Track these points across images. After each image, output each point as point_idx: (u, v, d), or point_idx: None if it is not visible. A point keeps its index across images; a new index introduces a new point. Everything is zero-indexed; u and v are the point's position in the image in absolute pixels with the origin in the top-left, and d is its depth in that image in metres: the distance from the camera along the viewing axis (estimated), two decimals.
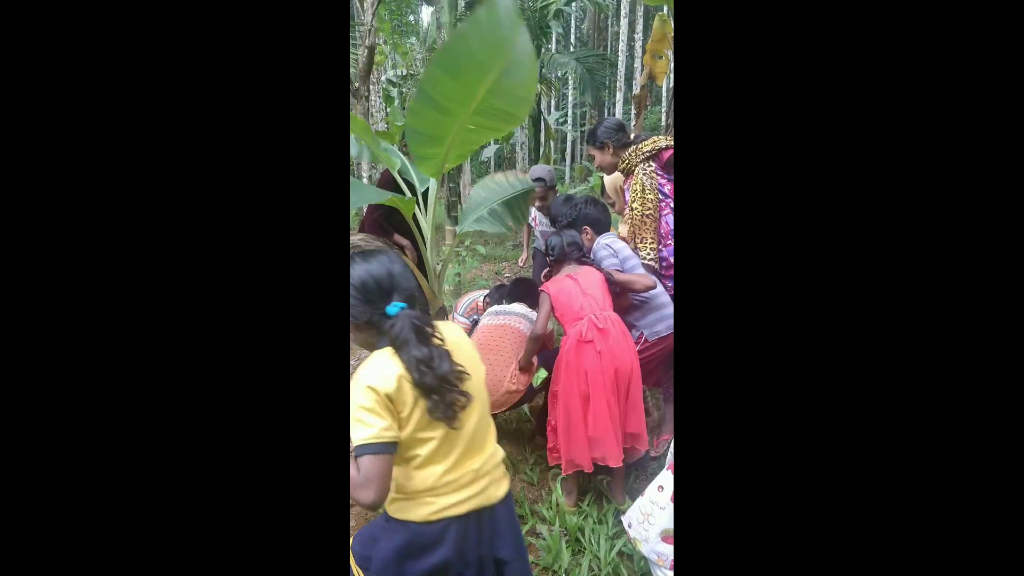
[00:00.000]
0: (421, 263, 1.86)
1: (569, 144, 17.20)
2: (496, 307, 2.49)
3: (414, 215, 1.77)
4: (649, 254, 2.22)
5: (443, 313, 1.94)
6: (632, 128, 6.72)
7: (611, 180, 2.58)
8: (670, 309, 2.14)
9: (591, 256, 2.26)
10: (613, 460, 1.87)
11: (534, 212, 3.45)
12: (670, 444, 2.35)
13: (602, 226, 2.36)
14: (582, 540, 1.84)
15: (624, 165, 2.36)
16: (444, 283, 3.99)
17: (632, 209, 2.27)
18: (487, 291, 2.91)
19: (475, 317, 2.93)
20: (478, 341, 2.31)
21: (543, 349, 2.36)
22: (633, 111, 5.69)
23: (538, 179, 3.18)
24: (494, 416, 2.35)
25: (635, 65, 11.65)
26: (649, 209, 2.20)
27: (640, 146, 2.28)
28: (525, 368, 2.20)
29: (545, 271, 2.32)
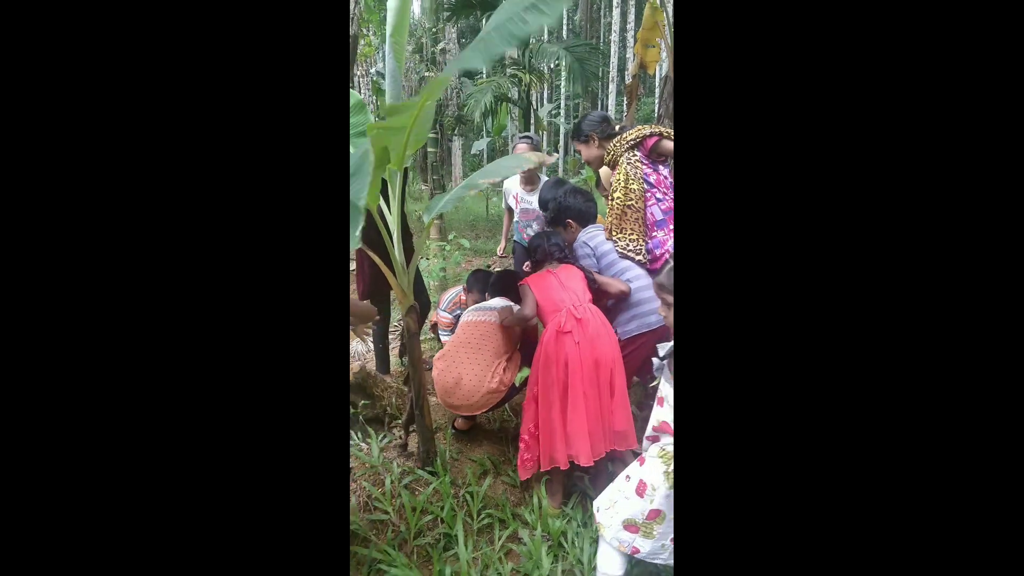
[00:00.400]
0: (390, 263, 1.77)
1: (562, 137, 17.09)
2: (477, 304, 2.41)
3: (379, 209, 1.68)
4: (628, 245, 2.14)
5: (414, 312, 1.84)
6: (624, 119, 6.61)
7: (605, 173, 2.53)
8: (643, 308, 2.06)
9: (572, 252, 2.21)
10: (584, 458, 1.81)
11: (516, 190, 3.32)
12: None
13: (586, 217, 2.29)
14: (565, 544, 1.76)
15: (610, 157, 2.29)
16: (428, 278, 3.90)
17: (613, 199, 2.19)
18: None
19: (458, 311, 2.85)
20: (458, 339, 2.23)
21: (529, 338, 2.29)
22: (625, 102, 5.59)
23: (524, 137, 3.19)
24: (474, 418, 2.29)
25: (627, 55, 11.53)
26: (631, 200, 2.13)
27: (624, 136, 2.22)
28: (507, 326, 2.16)
29: (526, 264, 2.26)
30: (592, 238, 2.23)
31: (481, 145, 12.84)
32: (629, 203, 2.13)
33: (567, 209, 2.27)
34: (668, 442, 1.34)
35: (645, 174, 2.16)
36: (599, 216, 2.40)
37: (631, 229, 2.14)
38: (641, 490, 1.33)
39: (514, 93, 6.60)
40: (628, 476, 1.41)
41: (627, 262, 2.15)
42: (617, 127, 2.36)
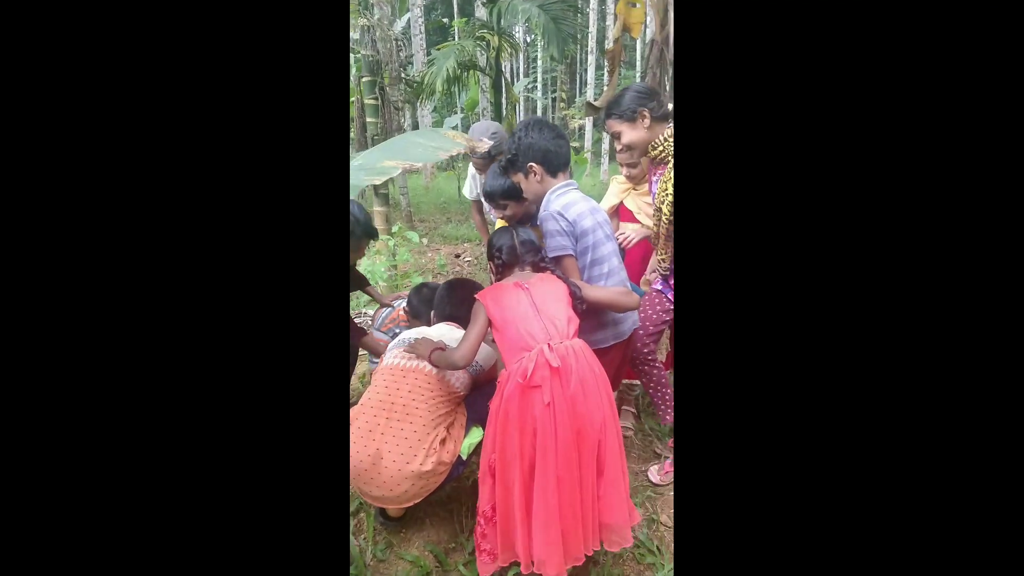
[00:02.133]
0: None
1: (539, 111, 16.42)
2: (407, 334, 1.72)
3: None
4: (671, 267, 1.72)
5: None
6: (605, 90, 5.99)
7: (637, 136, 1.75)
8: (620, 314, 1.60)
9: (537, 221, 1.60)
10: (551, 567, 1.24)
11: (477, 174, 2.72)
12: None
13: (555, 163, 1.58)
14: None
15: (659, 152, 1.66)
16: (372, 281, 3.22)
17: (660, 213, 1.66)
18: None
19: (396, 330, 2.21)
20: (377, 395, 1.54)
21: (484, 384, 1.66)
22: (607, 69, 4.96)
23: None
24: (408, 511, 1.57)
25: (608, 24, 10.85)
26: None
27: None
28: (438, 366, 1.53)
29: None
30: (568, 206, 1.53)
31: (454, 122, 12.04)
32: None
33: (528, 148, 1.55)
34: None
35: None
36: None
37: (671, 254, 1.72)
38: None
39: (482, 60, 5.88)
40: None
41: (613, 247, 1.59)
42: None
